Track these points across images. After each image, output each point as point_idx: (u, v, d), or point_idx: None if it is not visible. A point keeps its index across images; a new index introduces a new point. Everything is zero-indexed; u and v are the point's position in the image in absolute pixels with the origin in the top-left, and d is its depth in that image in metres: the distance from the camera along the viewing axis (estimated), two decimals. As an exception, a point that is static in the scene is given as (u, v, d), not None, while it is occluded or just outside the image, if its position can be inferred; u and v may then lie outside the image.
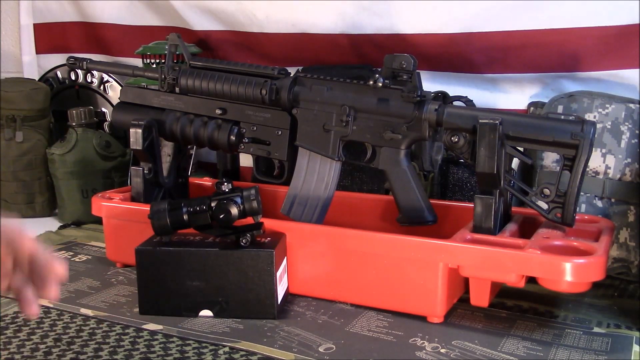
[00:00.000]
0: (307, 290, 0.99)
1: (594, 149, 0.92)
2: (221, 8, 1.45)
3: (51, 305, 0.95)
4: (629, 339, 0.86)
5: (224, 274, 0.90)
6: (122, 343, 0.83)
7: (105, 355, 0.81)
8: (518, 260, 0.83)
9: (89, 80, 1.66)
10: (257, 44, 1.47)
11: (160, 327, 0.88)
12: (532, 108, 1.22)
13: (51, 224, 1.43)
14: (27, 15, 1.80)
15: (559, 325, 0.90)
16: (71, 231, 1.37)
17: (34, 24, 1.80)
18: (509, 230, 0.94)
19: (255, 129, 1.09)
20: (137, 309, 0.93)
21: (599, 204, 1.09)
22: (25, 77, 1.75)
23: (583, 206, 1.09)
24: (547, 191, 0.92)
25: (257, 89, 1.06)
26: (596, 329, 0.89)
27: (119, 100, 1.19)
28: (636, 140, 1.07)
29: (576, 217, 0.92)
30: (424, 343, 0.84)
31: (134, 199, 1.12)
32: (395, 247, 0.91)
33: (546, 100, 1.19)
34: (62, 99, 1.67)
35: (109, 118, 1.64)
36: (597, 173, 1.08)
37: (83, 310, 0.94)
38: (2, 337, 0.85)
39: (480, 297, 0.89)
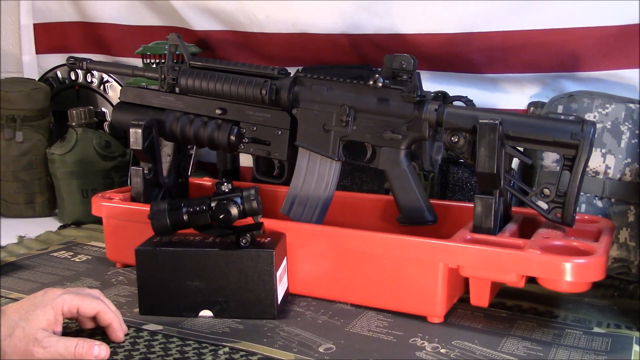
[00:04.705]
0: (307, 290, 0.99)
1: (594, 149, 0.92)
2: (221, 8, 1.45)
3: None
4: (629, 339, 0.86)
5: (224, 274, 0.90)
6: (122, 343, 0.83)
7: (105, 355, 0.81)
8: (518, 260, 0.83)
9: (89, 80, 1.66)
10: (257, 44, 1.46)
11: (160, 327, 0.88)
12: (532, 108, 1.22)
13: (51, 224, 1.43)
14: (27, 15, 1.80)
15: (559, 325, 0.90)
16: (71, 231, 1.37)
17: (34, 24, 1.80)
18: (509, 230, 0.93)
19: (255, 129, 1.09)
20: (137, 309, 0.93)
21: (599, 204, 1.09)
22: (25, 77, 1.75)
23: (583, 206, 1.09)
24: (547, 191, 0.92)
25: (257, 89, 1.06)
26: (596, 329, 0.89)
27: (119, 100, 1.19)
28: (636, 140, 1.07)
29: (576, 217, 0.92)
30: (424, 343, 0.84)
31: (134, 199, 1.11)
32: (395, 247, 0.91)
33: (546, 100, 1.19)
34: (62, 99, 1.67)
35: (109, 118, 1.64)
36: (597, 173, 1.08)
37: (83, 310, 0.94)
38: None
39: (480, 297, 0.89)
